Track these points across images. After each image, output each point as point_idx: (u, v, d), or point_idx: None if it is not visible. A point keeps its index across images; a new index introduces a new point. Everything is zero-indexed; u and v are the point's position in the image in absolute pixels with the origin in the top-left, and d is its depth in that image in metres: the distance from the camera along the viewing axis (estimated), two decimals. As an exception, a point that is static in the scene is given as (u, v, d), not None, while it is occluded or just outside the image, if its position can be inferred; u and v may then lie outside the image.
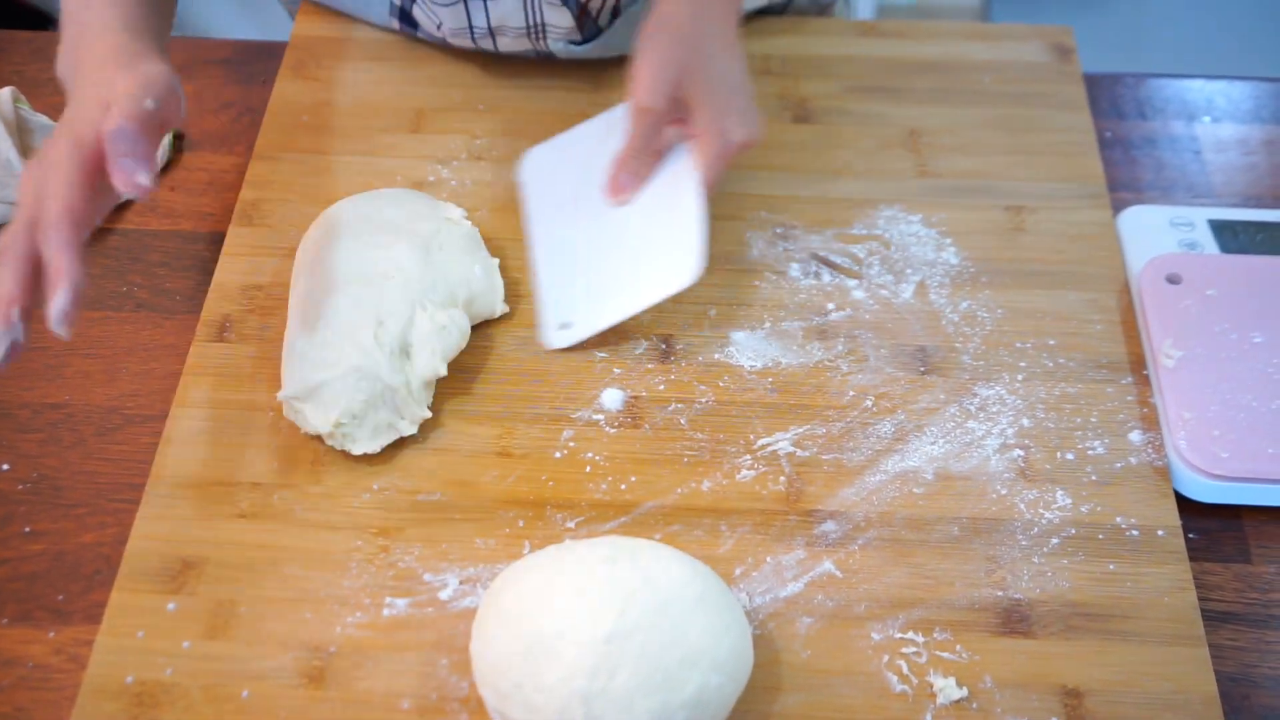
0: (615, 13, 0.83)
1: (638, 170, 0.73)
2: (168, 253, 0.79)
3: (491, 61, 0.87)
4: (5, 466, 0.69)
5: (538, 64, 0.87)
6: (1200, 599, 0.64)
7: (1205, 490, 0.67)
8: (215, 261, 0.77)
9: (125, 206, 0.81)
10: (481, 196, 0.80)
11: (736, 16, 0.73)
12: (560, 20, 0.81)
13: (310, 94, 0.85)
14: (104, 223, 0.79)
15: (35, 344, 0.74)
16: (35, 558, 0.65)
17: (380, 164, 0.82)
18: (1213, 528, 0.67)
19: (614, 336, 0.73)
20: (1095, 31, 2.24)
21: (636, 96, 0.70)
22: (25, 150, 0.78)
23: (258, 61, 0.89)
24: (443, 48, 0.88)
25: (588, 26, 0.83)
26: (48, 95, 0.86)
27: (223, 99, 0.87)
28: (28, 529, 0.66)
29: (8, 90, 0.80)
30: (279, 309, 0.74)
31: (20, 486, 0.68)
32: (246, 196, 0.80)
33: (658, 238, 0.72)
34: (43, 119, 0.81)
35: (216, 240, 0.78)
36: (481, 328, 0.73)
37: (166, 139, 0.83)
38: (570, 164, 0.77)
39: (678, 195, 0.71)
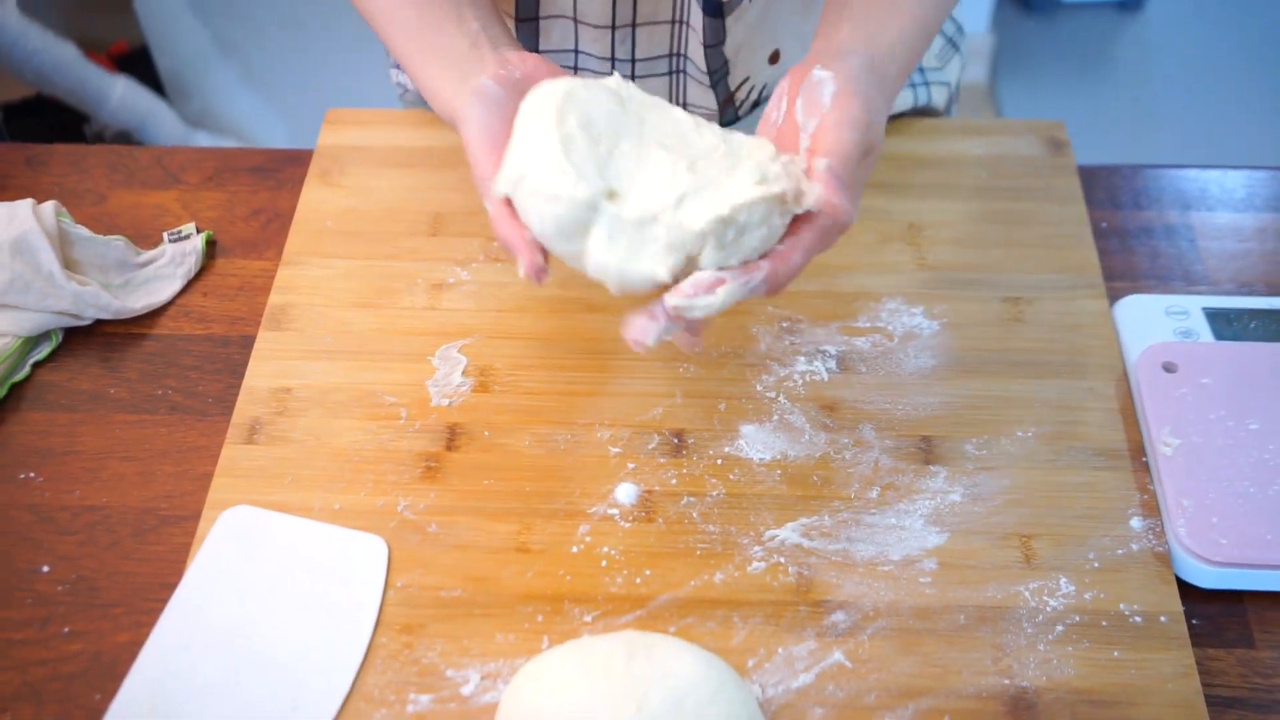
0: (756, 103, 0.86)
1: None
2: (200, 356, 0.82)
3: (508, 166, 0.91)
4: (45, 568, 0.72)
5: None
6: (1204, 684, 0.65)
7: (1206, 576, 0.68)
8: (246, 364, 0.80)
9: (159, 313, 0.84)
10: (498, 297, 0.83)
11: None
12: (705, 101, 0.85)
13: (335, 200, 0.89)
14: (139, 329, 0.83)
15: (73, 449, 0.77)
16: (74, 657, 0.68)
17: (402, 267, 0.85)
18: (1215, 613, 0.69)
19: (627, 431, 0.76)
20: (1092, 115, 2.30)
21: (836, 201, 0.61)
22: (67, 262, 0.82)
23: (286, 169, 0.94)
24: (460, 154, 0.92)
25: (728, 113, 0.86)
26: (87, 206, 0.90)
27: (252, 205, 0.91)
28: (67, 629, 0.69)
29: (50, 204, 0.84)
30: (307, 411, 0.77)
31: (60, 588, 0.71)
32: (275, 301, 0.83)
33: None
34: (84, 231, 0.84)
35: (247, 344, 0.82)
36: (500, 424, 0.76)
37: (201, 243, 0.87)
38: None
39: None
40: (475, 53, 0.69)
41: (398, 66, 0.96)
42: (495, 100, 0.66)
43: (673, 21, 0.80)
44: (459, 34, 0.69)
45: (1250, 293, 0.84)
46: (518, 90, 0.66)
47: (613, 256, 0.61)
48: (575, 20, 0.82)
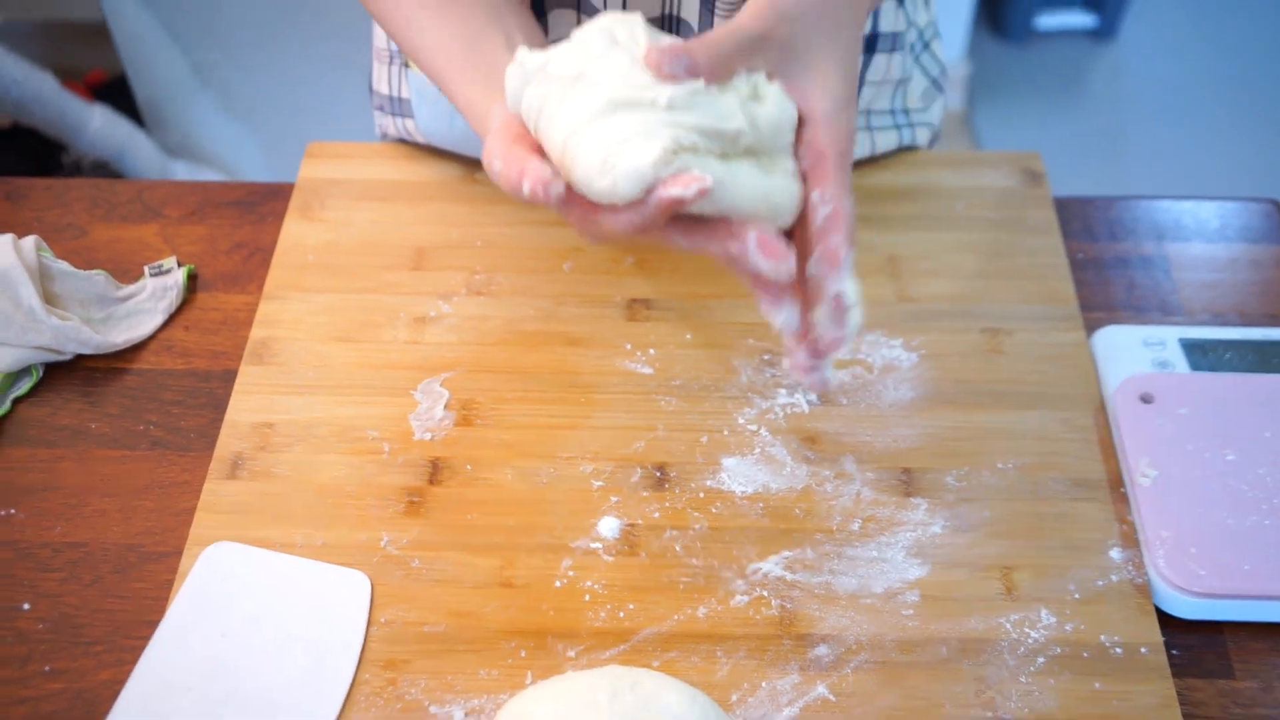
0: None
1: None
2: (182, 391, 0.82)
3: (488, 200, 0.91)
4: (26, 606, 0.71)
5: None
6: (1185, 715, 0.66)
7: (1185, 607, 0.69)
8: (228, 399, 0.80)
9: (141, 347, 0.84)
10: (480, 330, 0.84)
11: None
12: None
13: (316, 234, 0.89)
14: (120, 363, 0.83)
15: (54, 484, 0.77)
16: (54, 696, 0.67)
17: (384, 301, 0.85)
18: (1195, 643, 0.69)
19: (609, 464, 0.76)
20: (1068, 141, 2.32)
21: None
22: (47, 297, 0.82)
23: (267, 202, 0.94)
24: (442, 188, 0.92)
25: None
26: (68, 240, 0.90)
27: (234, 239, 0.91)
28: (47, 668, 0.68)
29: (31, 239, 0.84)
30: (289, 446, 0.77)
31: (40, 625, 0.70)
32: (257, 335, 0.83)
33: None
34: (64, 265, 0.84)
35: (229, 378, 0.82)
36: (483, 458, 0.76)
37: (183, 277, 0.87)
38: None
39: None
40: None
41: (381, 109, 0.96)
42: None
43: None
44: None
45: (1224, 323, 0.85)
46: None
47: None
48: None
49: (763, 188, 0.61)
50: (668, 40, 0.60)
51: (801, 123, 0.62)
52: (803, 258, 0.63)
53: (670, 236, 0.61)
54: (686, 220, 0.60)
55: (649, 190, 0.57)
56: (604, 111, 0.58)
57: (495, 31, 0.70)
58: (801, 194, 0.62)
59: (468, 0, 0.71)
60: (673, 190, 0.56)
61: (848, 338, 0.65)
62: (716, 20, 0.75)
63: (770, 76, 0.62)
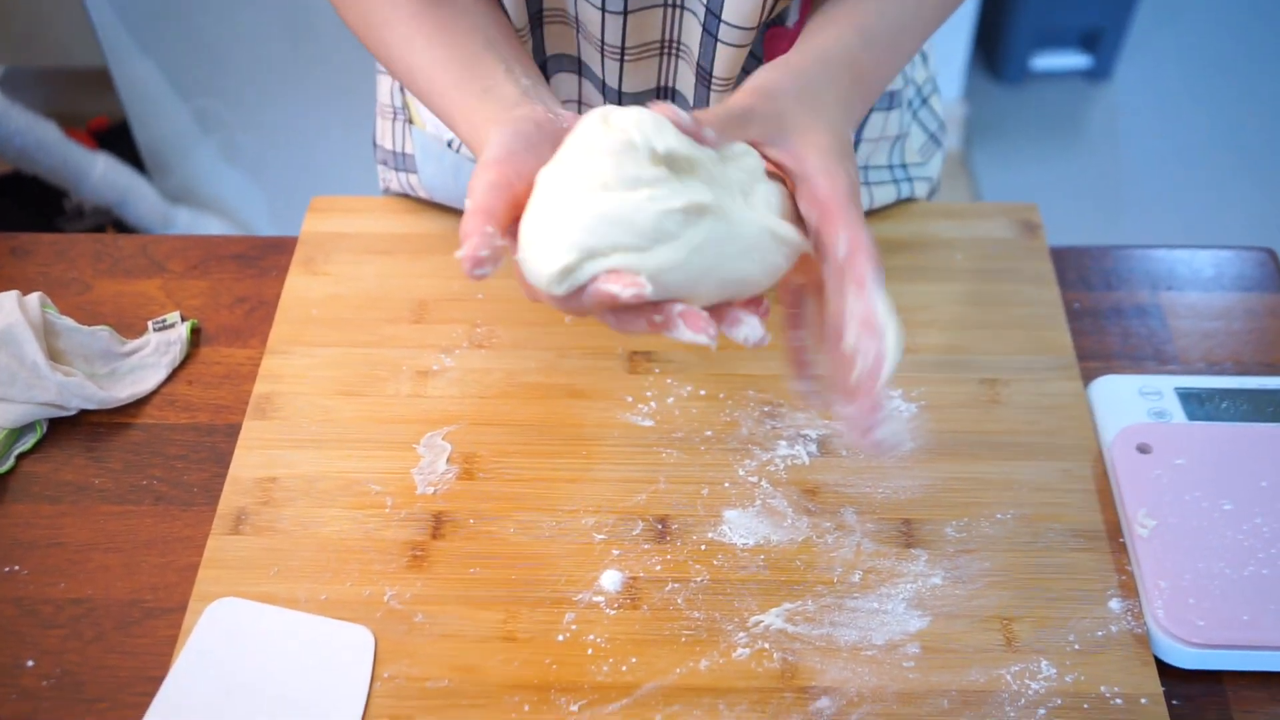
0: None
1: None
2: (185, 445, 0.82)
3: (491, 252, 0.92)
4: (30, 663, 0.71)
5: None
6: (1186, 766, 0.66)
7: (1185, 657, 0.69)
8: (231, 453, 0.81)
9: (144, 402, 0.85)
10: (482, 383, 0.84)
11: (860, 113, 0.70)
12: None
13: (319, 288, 0.90)
14: (124, 418, 0.84)
15: (57, 540, 0.77)
16: (58, 755, 0.68)
17: (386, 354, 0.86)
18: (1195, 693, 0.70)
19: (611, 517, 0.76)
20: (1063, 179, 2.34)
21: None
22: (52, 353, 0.83)
23: (270, 256, 0.94)
24: (443, 241, 0.93)
25: None
26: (72, 295, 0.91)
27: (237, 293, 0.92)
28: (50, 726, 0.69)
29: (35, 295, 0.84)
30: (293, 500, 0.77)
31: (44, 683, 0.71)
32: (260, 390, 0.84)
33: None
34: (69, 321, 0.85)
35: (233, 432, 0.82)
36: (485, 511, 0.77)
37: (186, 331, 0.87)
38: None
39: None
40: (525, 99, 0.66)
41: (385, 163, 0.97)
42: (528, 136, 0.62)
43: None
44: (508, 82, 0.67)
45: (1220, 372, 0.85)
46: (556, 140, 0.62)
47: None
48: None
49: (719, 272, 0.59)
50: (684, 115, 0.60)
51: (800, 181, 0.63)
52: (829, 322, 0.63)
53: (602, 317, 0.61)
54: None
55: (580, 287, 0.57)
56: (551, 200, 0.58)
57: (493, 57, 0.69)
58: (788, 256, 0.62)
59: (465, 27, 0.71)
60: (609, 287, 0.56)
61: (885, 356, 0.61)
62: (712, 95, 0.76)
63: (760, 145, 0.64)
